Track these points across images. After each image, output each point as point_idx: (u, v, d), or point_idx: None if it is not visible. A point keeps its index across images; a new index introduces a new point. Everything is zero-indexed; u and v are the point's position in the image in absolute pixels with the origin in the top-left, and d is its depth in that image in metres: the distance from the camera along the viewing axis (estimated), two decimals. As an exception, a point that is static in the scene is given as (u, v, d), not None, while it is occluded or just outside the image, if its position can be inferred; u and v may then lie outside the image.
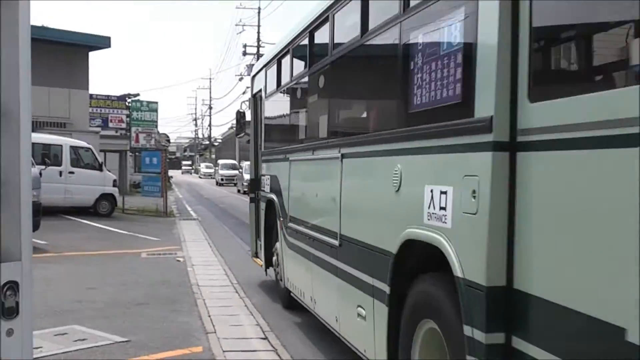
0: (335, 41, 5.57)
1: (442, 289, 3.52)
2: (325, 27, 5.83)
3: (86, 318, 7.62)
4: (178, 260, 12.07)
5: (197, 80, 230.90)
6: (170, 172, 34.40)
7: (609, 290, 2.33)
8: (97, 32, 35.31)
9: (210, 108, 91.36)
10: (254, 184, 9.67)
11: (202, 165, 77.11)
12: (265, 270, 9.14)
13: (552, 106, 2.69)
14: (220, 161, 53.63)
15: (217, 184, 50.43)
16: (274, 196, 8.00)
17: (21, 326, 3.11)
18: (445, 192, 3.41)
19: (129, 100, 38.00)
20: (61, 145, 19.67)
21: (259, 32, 49.67)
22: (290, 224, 7.06)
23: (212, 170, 67.29)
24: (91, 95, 32.26)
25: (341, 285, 5.22)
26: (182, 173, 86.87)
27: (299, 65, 7.00)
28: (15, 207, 3.01)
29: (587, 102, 2.47)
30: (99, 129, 32.76)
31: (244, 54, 49.45)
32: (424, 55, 3.76)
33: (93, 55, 30.12)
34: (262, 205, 8.89)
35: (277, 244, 8.06)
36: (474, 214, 3.12)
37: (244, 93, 53.87)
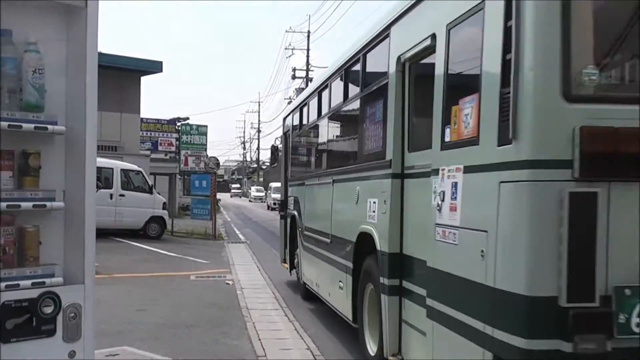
0: (328, 105, 8.40)
1: (374, 262, 5.81)
2: (322, 95, 8.76)
3: (137, 339, 7.73)
4: (227, 283, 12.17)
5: (245, 104, 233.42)
6: (219, 195, 34.73)
7: (425, 244, 4.61)
8: (149, 57, 35.93)
9: (259, 131, 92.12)
10: (283, 204, 12.06)
11: (252, 188, 75.86)
12: (290, 272, 11.66)
13: (415, 156, 5.10)
14: (273, 184, 52.10)
15: (269, 207, 49.26)
16: (295, 212, 10.49)
17: (83, 349, 3.19)
18: (375, 202, 5.80)
19: (179, 123, 38.56)
20: (112, 169, 20.08)
21: (308, 56, 50.01)
22: (305, 232, 9.60)
23: (262, 194, 65.90)
24: (142, 119, 32.89)
25: (331, 269, 7.71)
26: (231, 196, 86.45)
27: (309, 117, 9.83)
28: (79, 231, 3.10)
29: (423, 155, 4.77)
30: (149, 152, 33.35)
31: (293, 77, 49.86)
32: (367, 121, 6.41)
33: (145, 79, 30.71)
34: (288, 220, 11.37)
35: (297, 250, 10.51)
36: (384, 213, 5.50)
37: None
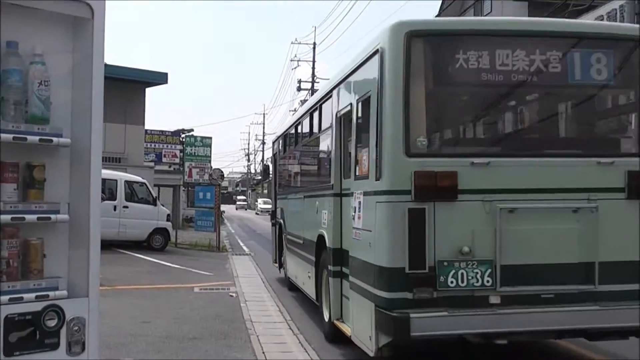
0: (301, 138, 11.07)
1: (327, 255, 7.92)
2: (297, 129, 11.30)
3: (140, 352, 7.72)
4: (231, 296, 12.14)
5: (250, 116, 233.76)
6: (223, 207, 34.81)
7: (350, 241, 6.81)
8: (155, 69, 36.09)
9: (264, 143, 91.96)
10: (273, 214, 14.72)
11: (259, 200, 73.04)
12: (279, 270, 13.97)
13: (345, 182, 7.18)
14: (260, 199, 51.97)
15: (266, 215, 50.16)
16: (281, 220, 13.03)
17: (87, 362, 3.18)
18: (325, 213, 7.98)
19: (183, 135, 38.63)
20: (116, 180, 20.11)
21: (313, 68, 50.03)
22: (287, 236, 12.00)
23: (269, 206, 64.57)
24: (146, 131, 32.96)
25: (303, 264, 10.02)
26: (237, 209, 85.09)
27: (289, 145, 12.45)
28: (84, 244, 3.11)
29: (348, 182, 7.08)
30: (153, 163, 33.40)
31: (299, 89, 49.93)
32: (321, 154, 8.92)
33: (149, 91, 30.79)
34: (277, 227, 13.81)
35: (283, 250, 12.89)
36: (330, 221, 7.68)
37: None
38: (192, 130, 39.37)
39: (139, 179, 21.07)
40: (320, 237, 8.43)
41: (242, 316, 10.07)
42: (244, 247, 24.75)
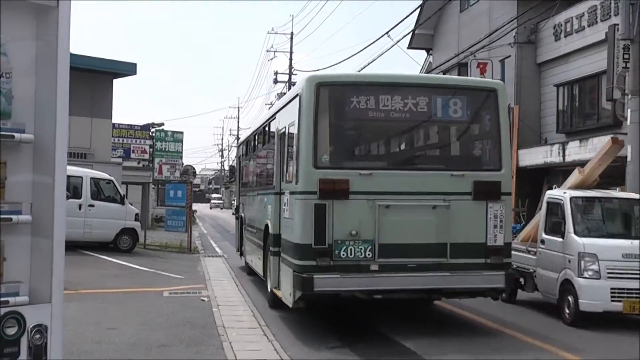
0: (255, 147, 14.87)
1: (269, 239, 11.10)
2: (254, 139, 14.98)
3: (107, 361, 7.67)
4: (203, 300, 12.12)
5: (224, 110, 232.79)
6: (195, 206, 34.75)
7: (283, 228, 10.45)
8: (123, 59, 35.87)
9: (238, 138, 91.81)
10: (237, 209, 18.74)
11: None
12: (240, 257, 17.38)
13: (283, 184, 10.57)
14: (213, 195, 52.72)
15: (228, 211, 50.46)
16: (242, 214, 16.64)
17: (49, 372, 3.12)
18: (270, 207, 11.39)
19: (153, 130, 38.40)
20: (81, 177, 19.95)
21: (291, 59, 49.98)
22: (246, 227, 15.47)
23: None
24: (114, 125, 32.77)
25: (256, 248, 13.15)
26: (211, 208, 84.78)
27: (248, 150, 16.23)
28: (47, 246, 3.05)
29: (284, 184, 10.50)
30: (120, 159, 33.22)
31: (275, 81, 49.88)
32: (268, 162, 12.49)
33: (117, 82, 30.60)
34: (239, 220, 17.33)
35: (243, 240, 16.33)
36: (272, 213, 11.18)
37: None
38: (162, 124, 39.19)
39: (105, 176, 20.93)
40: (266, 226, 11.85)
41: (215, 322, 10.05)
42: (217, 249, 24.71)
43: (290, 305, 9.60)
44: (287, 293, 9.79)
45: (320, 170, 9.30)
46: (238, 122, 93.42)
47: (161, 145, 34.68)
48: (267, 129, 13.10)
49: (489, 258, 9.62)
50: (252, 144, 15.77)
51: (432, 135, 10.89)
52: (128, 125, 37.74)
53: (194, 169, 24.10)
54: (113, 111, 29.11)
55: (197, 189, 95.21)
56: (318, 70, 36.67)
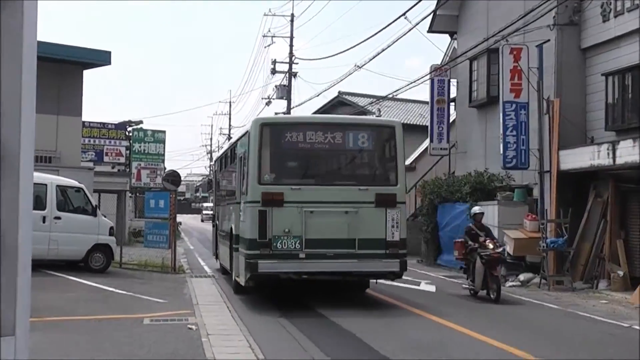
0: (225, 164, 21.43)
1: (234, 239, 17.90)
2: (226, 157, 21.66)
3: (78, 401, 7.68)
4: (190, 328, 12.13)
5: (213, 105, 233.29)
6: (179, 218, 35.03)
7: (241, 229, 16.99)
8: (95, 46, 35.93)
9: (230, 138, 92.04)
10: (213, 218, 25.93)
11: None
12: (215, 260, 23.63)
13: (242, 197, 17.25)
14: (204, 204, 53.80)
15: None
16: (217, 222, 23.02)
17: (12, 416, 3.11)
18: (234, 214, 18.28)
19: (130, 128, 38.53)
20: (45, 185, 20.00)
21: (291, 45, 50.14)
22: (220, 232, 21.85)
23: None
24: (84, 123, 32.86)
25: (225, 249, 19.77)
26: (203, 220, 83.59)
27: (220, 166, 22.87)
28: (10, 269, 3.04)
29: (242, 196, 17.18)
30: (91, 164, 33.31)
31: (273, 72, 50.07)
32: (234, 178, 19.09)
33: (88, 74, 30.66)
34: (214, 227, 23.62)
35: (218, 244, 22.66)
36: (235, 218, 18.04)
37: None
38: (141, 122, 39.37)
39: (74, 183, 20.99)
40: (231, 229, 18.17)
41: (204, 353, 10.04)
42: (206, 268, 24.73)
43: (243, 284, 15.85)
44: (241, 276, 16.09)
45: (263, 185, 15.45)
46: (230, 118, 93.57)
47: (140, 146, 34.79)
48: (231, 152, 19.95)
49: (388, 249, 15.47)
50: (223, 162, 22.55)
51: (345, 160, 17.15)
52: (100, 123, 37.87)
53: (178, 174, 24.10)
54: (83, 107, 29.14)
55: (182, 198, 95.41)
56: (320, 59, 39.53)
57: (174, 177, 23.49)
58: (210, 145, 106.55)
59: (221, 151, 25.85)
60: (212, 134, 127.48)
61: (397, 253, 15.60)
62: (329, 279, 16.02)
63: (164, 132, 34.76)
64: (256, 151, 15.54)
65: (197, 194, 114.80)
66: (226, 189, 21.53)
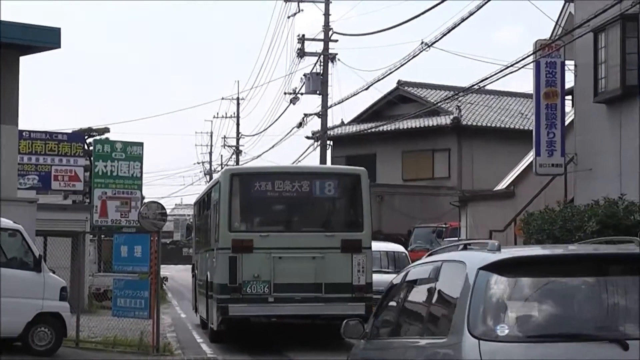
0: (201, 211, 33.08)
1: (209, 287, 27.33)
2: (202, 202, 32.75)
3: None
4: None
5: (213, 105, 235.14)
6: (165, 271, 34.52)
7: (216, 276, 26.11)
8: (38, 22, 36.00)
9: (238, 151, 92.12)
10: (193, 267, 34.73)
11: None
12: (195, 314, 31.20)
13: (215, 244, 27.04)
14: None
15: None
16: (196, 272, 32.14)
17: None
18: (209, 261, 27.67)
19: (91, 140, 38.59)
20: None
21: (327, 13, 49.70)
22: (198, 282, 30.86)
23: None
24: (21, 134, 32.85)
25: (203, 299, 28.21)
26: None
27: (199, 212, 33.82)
28: None
29: (213, 244, 27.21)
30: (34, 192, 33.31)
31: (301, 54, 50.10)
32: (210, 225, 28.40)
33: (28, 62, 30.58)
34: (194, 278, 32.77)
35: (196, 294, 31.83)
36: (210, 265, 27.14)
37: (300, 126, 54.70)
38: (106, 130, 39.47)
39: (7, 223, 20.89)
40: (207, 277, 25.90)
41: None
42: (204, 346, 24.57)
43: (215, 328, 23.34)
44: (214, 320, 23.20)
45: (233, 233, 22.77)
46: (238, 122, 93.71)
47: (105, 166, 34.66)
48: (207, 198, 28.05)
49: (354, 293, 21.78)
50: (201, 207, 31.27)
51: (312, 207, 24.65)
52: (47, 133, 37.88)
53: (162, 207, 24.00)
54: (20, 111, 29.02)
55: (168, 241, 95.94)
56: (369, 34, 46.58)
57: (156, 212, 23.38)
58: (210, 162, 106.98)
59: (199, 195, 36.11)
60: (211, 145, 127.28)
61: (363, 297, 22.36)
62: (297, 322, 24.12)
63: (141, 144, 34.56)
64: (226, 200, 23.44)
65: (191, 236, 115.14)
66: (203, 236, 29.91)
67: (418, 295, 10.50)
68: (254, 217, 24.18)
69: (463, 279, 8.73)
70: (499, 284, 8.55)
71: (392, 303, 11.16)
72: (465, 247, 10.21)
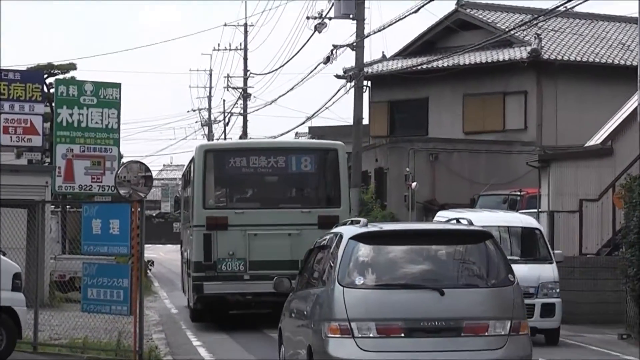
0: (185, 183, 46.04)
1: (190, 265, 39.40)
2: (187, 173, 43.45)
3: None
4: None
5: (213, 33, 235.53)
6: (150, 252, 34.23)
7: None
8: None
9: (246, 94, 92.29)
10: (181, 244, 46.87)
11: None
12: (185, 295, 40.10)
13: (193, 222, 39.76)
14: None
15: None
16: (183, 249, 44.32)
17: None
18: (190, 238, 39.54)
19: (51, 80, 38.65)
20: None
21: None
22: (184, 261, 42.48)
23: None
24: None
25: (187, 279, 39.13)
26: None
27: (185, 184, 45.98)
28: None
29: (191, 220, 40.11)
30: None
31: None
32: (189, 199, 41.51)
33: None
34: (182, 256, 44.47)
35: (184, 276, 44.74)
36: (190, 245, 38.87)
37: (328, 61, 54.61)
38: (72, 67, 39.46)
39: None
40: (187, 254, 37.06)
41: None
42: (202, 352, 24.68)
43: (192, 306, 32.70)
44: (190, 298, 32.75)
45: (207, 210, 30.42)
46: (245, 54, 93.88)
47: (71, 115, 34.69)
48: (187, 173, 37.09)
49: None
50: (185, 181, 39.58)
51: (288, 183, 32.31)
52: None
53: (146, 169, 23.97)
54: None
55: (154, 214, 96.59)
56: None
57: (139, 174, 23.37)
58: (209, 109, 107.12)
59: (185, 166, 44.26)
60: (211, 87, 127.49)
61: None
62: (274, 300, 26.91)
63: (118, 86, 34.52)
64: (200, 177, 29.87)
65: (180, 210, 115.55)
66: (186, 212, 38.09)
67: (319, 257, 18.12)
68: (229, 194, 31.45)
69: (340, 246, 16.13)
70: (361, 249, 16.05)
71: (309, 264, 19.02)
72: (352, 223, 17.97)
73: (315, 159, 29.47)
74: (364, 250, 17.17)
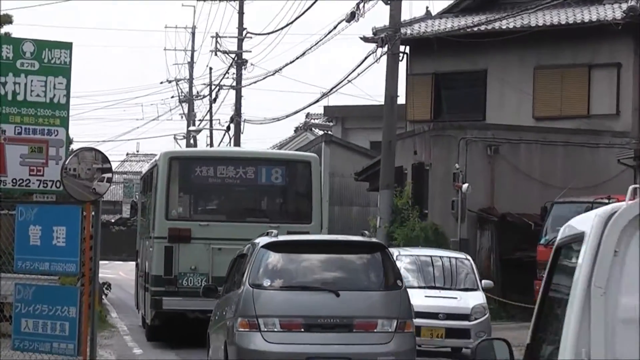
0: (145, 188, 61.70)
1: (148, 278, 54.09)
2: (147, 178, 59.28)
3: None
4: None
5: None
6: (107, 271, 34.50)
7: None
8: None
9: (240, 60, 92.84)
10: (136, 254, 62.39)
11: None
12: (137, 312, 55.51)
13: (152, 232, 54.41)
14: None
15: None
16: (139, 260, 58.95)
17: None
18: (147, 249, 54.66)
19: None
20: None
21: None
22: (139, 274, 58.43)
23: None
24: None
25: (143, 293, 53.04)
26: None
27: (144, 188, 62.51)
28: None
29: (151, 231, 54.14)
30: None
31: None
32: (149, 207, 56.92)
33: None
34: (137, 268, 59.41)
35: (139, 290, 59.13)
36: (150, 257, 53.08)
37: (352, 18, 55.05)
38: (7, 21, 39.73)
39: None
40: (145, 266, 48.03)
41: None
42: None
43: (149, 323, 42.44)
44: (147, 314, 43.02)
45: (170, 221, 40.15)
46: (241, 8, 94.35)
47: (3, 84, 34.98)
48: (149, 177, 46.66)
49: None
50: (145, 185, 51.49)
51: (257, 196, 44.44)
52: None
53: (103, 157, 24.14)
54: None
55: (113, 219, 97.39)
56: None
57: (93, 166, 23.53)
58: (190, 79, 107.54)
59: (146, 168, 53.54)
60: (193, 50, 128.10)
61: None
62: None
63: (68, 46, 34.57)
64: (164, 185, 34.97)
65: (136, 217, 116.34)
66: (146, 220, 46.23)
67: (239, 263, 25.88)
68: (194, 205, 38.38)
69: (253, 253, 24.80)
70: (270, 256, 25.16)
71: (232, 271, 26.39)
72: (267, 234, 27.22)
73: (286, 171, 35.45)
74: (273, 257, 25.77)
